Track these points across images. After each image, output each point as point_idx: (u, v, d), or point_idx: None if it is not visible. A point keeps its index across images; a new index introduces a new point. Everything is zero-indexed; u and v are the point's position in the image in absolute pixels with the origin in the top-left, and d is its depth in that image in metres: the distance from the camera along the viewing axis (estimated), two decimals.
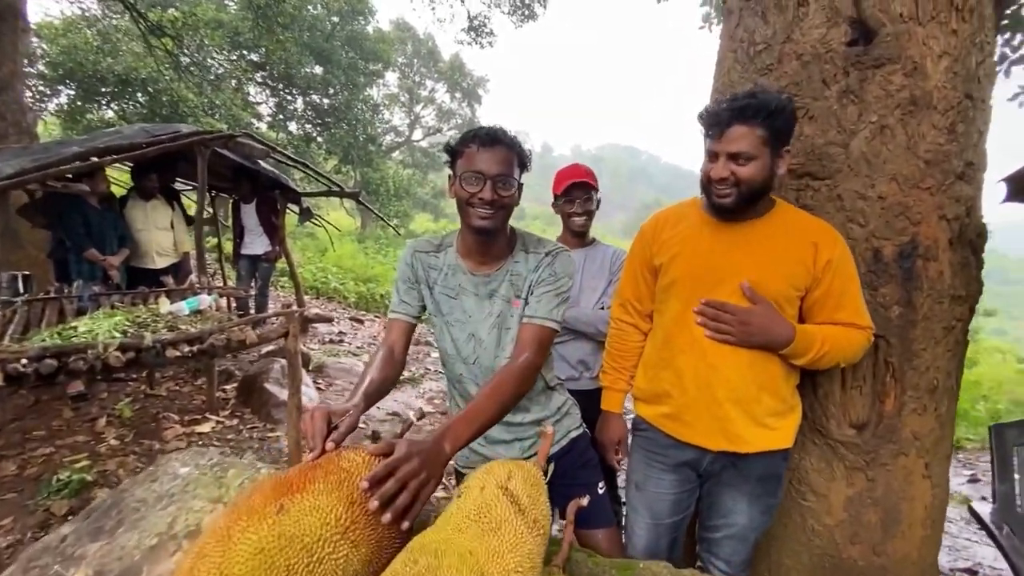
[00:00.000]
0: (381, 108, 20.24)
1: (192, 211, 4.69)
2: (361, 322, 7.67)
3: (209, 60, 12.57)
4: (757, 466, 1.31)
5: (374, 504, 0.72)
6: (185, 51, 10.28)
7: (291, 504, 0.68)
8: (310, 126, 15.56)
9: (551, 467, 1.03)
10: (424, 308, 1.37)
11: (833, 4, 1.44)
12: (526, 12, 11.64)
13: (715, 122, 1.22)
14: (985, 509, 1.74)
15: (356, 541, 0.70)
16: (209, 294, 3.38)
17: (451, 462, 0.98)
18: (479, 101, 24.43)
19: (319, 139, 15.49)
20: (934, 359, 1.46)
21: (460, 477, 1.49)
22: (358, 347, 6.08)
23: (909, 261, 1.41)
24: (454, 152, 1.24)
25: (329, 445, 0.84)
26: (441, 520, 0.77)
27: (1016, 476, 1.66)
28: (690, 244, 1.34)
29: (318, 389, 4.43)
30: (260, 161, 4.81)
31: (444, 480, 1.47)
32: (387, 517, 0.72)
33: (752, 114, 1.16)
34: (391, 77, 23.06)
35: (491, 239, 1.26)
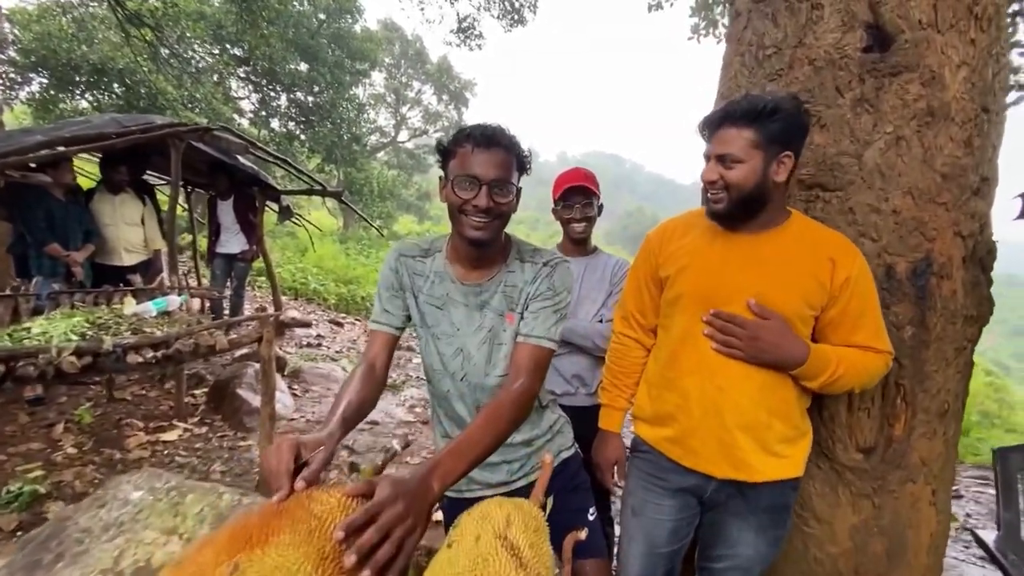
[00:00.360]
0: (367, 108, 19.99)
1: (166, 206, 4.48)
2: (341, 325, 7.47)
3: (190, 52, 12.23)
4: (765, 496, 1.22)
5: (350, 560, 0.60)
6: (165, 42, 9.96)
7: (248, 564, 0.56)
8: (293, 123, 15.26)
9: (550, 501, 0.92)
10: (408, 318, 1.25)
11: (849, 8, 1.37)
12: (516, 17, 11.58)
13: (707, 124, 1.20)
14: (990, 536, 1.69)
15: None
16: (179, 294, 3.21)
17: None
18: (466, 104, 24.31)
19: (302, 137, 15.20)
20: (945, 381, 1.40)
21: (443, 501, 1.37)
22: (337, 351, 5.90)
23: (923, 279, 1.35)
24: (446, 152, 1.13)
25: (299, 484, 0.71)
26: (430, 574, 0.66)
27: (1022, 503, 1.62)
28: (699, 256, 1.26)
29: (294, 395, 4.25)
30: (239, 157, 4.63)
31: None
32: (366, 574, 0.61)
33: (740, 115, 1.13)
34: (378, 77, 22.83)
35: (485, 249, 1.16)
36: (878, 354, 1.16)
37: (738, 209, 1.18)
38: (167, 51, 10.37)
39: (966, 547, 2.63)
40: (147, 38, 8.85)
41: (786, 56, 1.48)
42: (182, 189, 5.95)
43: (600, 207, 1.92)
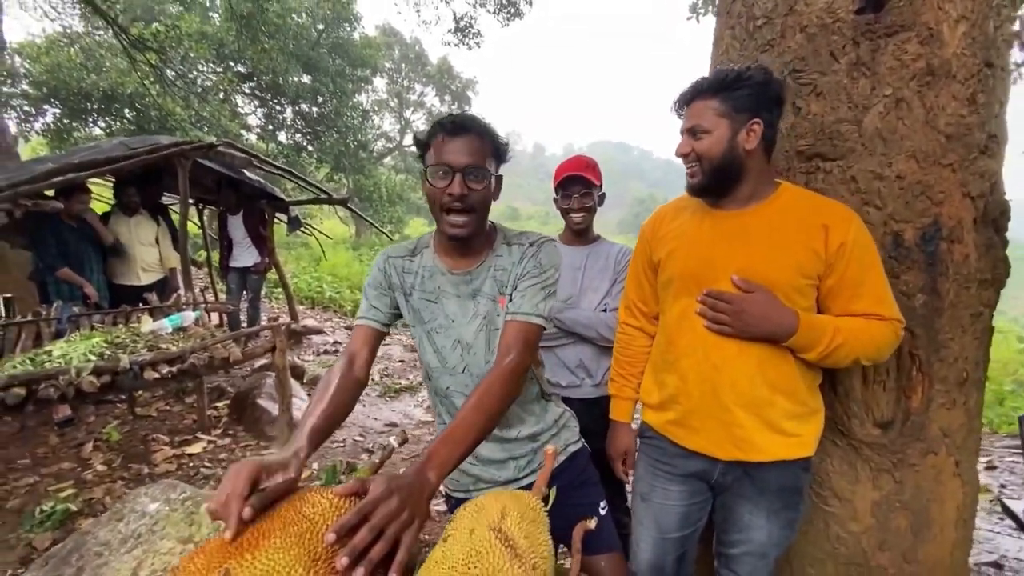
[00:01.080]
0: (371, 114, 20.11)
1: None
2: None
3: (194, 72, 12.45)
4: (774, 477, 1.19)
5: (343, 562, 0.60)
6: (169, 64, 10.14)
7: (239, 569, 0.56)
8: (300, 135, 15.44)
9: (552, 492, 0.91)
10: (396, 316, 1.26)
11: None
12: (512, 10, 11.53)
13: (679, 101, 1.22)
14: (1019, 507, 1.63)
15: None
16: (194, 310, 3.27)
17: (440, 487, 0.86)
18: (469, 103, 24.32)
19: (310, 148, 15.38)
20: (962, 349, 1.35)
21: (452, 502, 1.37)
22: None
23: (932, 244, 1.30)
24: (424, 145, 1.13)
25: (246, 513, 0.64)
26: (424, 571, 0.65)
27: None
28: (687, 237, 1.24)
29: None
30: (245, 171, 4.69)
31: (433, 507, 1.34)
32: (359, 573, 0.60)
33: (708, 87, 1.16)
34: (380, 83, 22.97)
35: (469, 242, 1.16)
36: (883, 322, 1.12)
37: (713, 180, 1.18)
38: (172, 73, 10.56)
39: (1001, 519, 2.55)
40: (152, 62, 9.01)
41: (777, 25, 1.44)
42: (194, 207, 6.08)
43: (602, 196, 1.89)
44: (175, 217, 5.00)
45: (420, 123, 24.77)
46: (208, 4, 13.90)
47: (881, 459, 1.39)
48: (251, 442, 3.56)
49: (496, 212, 1.27)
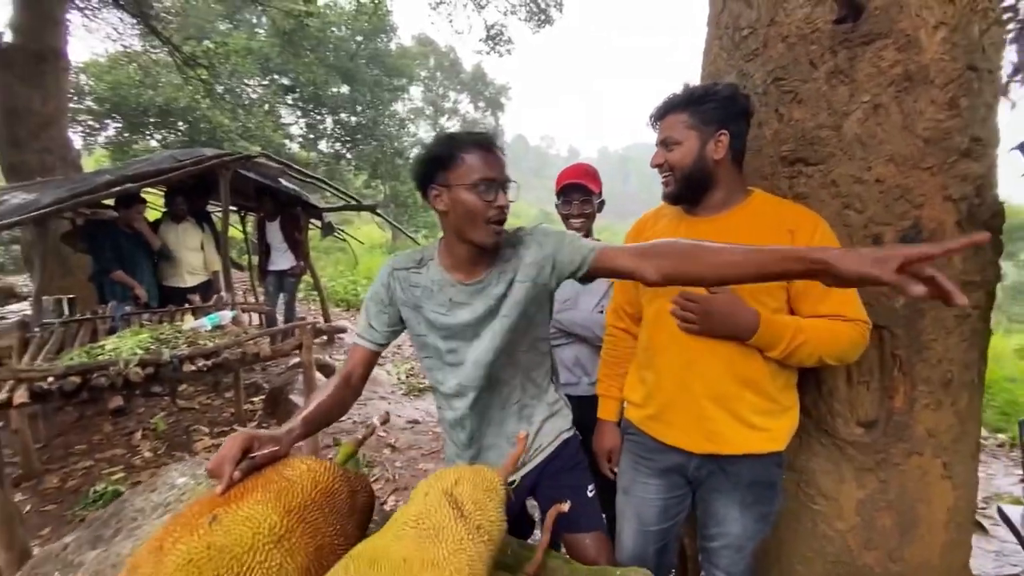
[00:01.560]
0: (407, 122, 20.65)
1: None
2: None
3: (241, 86, 13.15)
4: (746, 471, 1.24)
5: None
6: (218, 79, 10.77)
7: (224, 514, 0.69)
8: (340, 144, 16.03)
9: (518, 477, 1.00)
10: (395, 333, 1.28)
11: None
12: (542, 17, 11.66)
13: (654, 115, 1.32)
14: (1015, 512, 1.60)
15: (291, 549, 0.70)
16: (231, 310, 3.51)
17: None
18: (502, 109, 24.59)
19: (348, 156, 15.94)
20: (946, 350, 1.36)
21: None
22: (383, 356, 6.18)
23: None
24: (445, 159, 1.12)
25: (236, 475, 0.78)
26: (385, 527, 0.76)
27: None
28: None
29: None
30: (281, 180, 4.97)
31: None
32: None
33: (678, 102, 1.25)
34: (415, 91, 23.53)
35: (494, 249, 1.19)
36: (848, 323, 1.15)
37: (685, 189, 1.26)
38: (221, 87, 11.21)
39: None
40: (202, 77, 9.61)
41: (760, 35, 1.48)
42: (236, 214, 6.46)
43: (601, 203, 1.97)
44: (220, 223, 5.35)
45: (455, 130, 25.20)
46: (255, 21, 14.66)
47: (865, 458, 1.41)
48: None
49: (529, 216, 1.34)
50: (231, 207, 4.62)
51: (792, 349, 1.15)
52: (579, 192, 1.91)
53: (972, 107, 1.33)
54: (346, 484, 0.82)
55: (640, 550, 1.38)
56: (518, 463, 1.31)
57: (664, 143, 1.26)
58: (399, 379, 5.16)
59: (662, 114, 1.28)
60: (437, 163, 1.14)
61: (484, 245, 1.14)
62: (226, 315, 3.24)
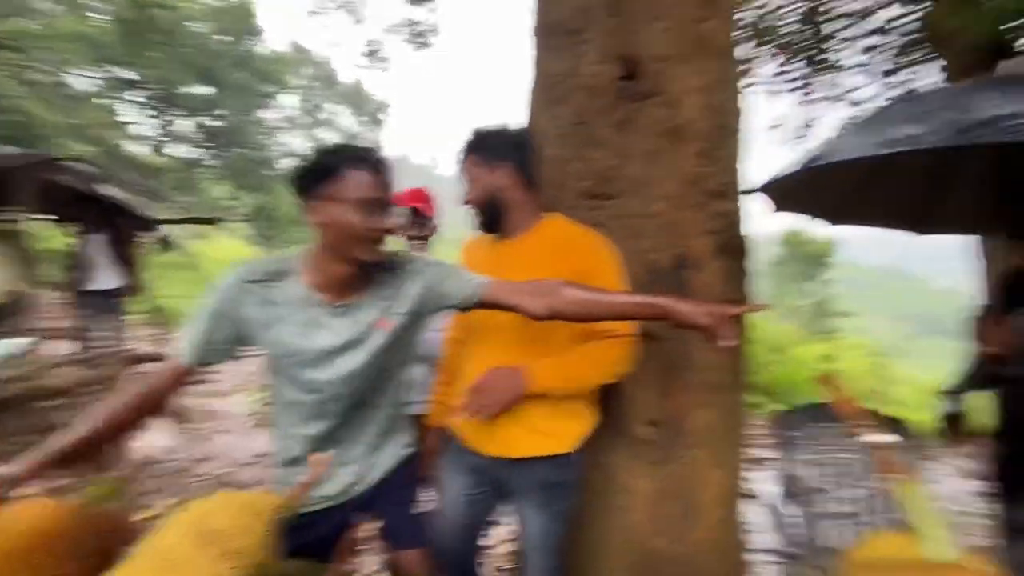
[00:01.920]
0: (278, 131, 19.40)
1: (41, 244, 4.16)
2: (236, 358, 7.09)
3: (69, 76, 11.40)
4: (537, 472, 1.36)
5: None
6: (34, 65, 9.23)
7: None
8: (198, 148, 14.56)
9: (359, 491, 0.99)
10: (227, 353, 1.17)
11: (607, 43, 1.60)
12: (421, 41, 11.76)
13: (457, 159, 1.48)
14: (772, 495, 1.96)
15: None
16: (33, 337, 3.01)
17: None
18: (379, 125, 24.21)
19: (208, 162, 14.52)
20: (711, 359, 1.62)
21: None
22: (229, 387, 5.61)
23: (681, 272, 1.58)
24: (331, 170, 1.07)
25: None
26: (128, 560, 0.72)
27: (795, 460, 1.89)
28: (477, 263, 1.44)
29: (180, 434, 4.03)
30: (108, 186, 4.39)
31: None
32: None
33: (468, 147, 1.43)
34: (291, 100, 22.25)
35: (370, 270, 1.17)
36: (617, 339, 1.33)
37: (486, 218, 1.42)
38: (38, 75, 9.61)
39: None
40: (12, 61, 8.17)
41: (567, 84, 1.68)
42: (55, 224, 5.53)
43: (434, 227, 2.07)
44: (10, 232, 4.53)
45: (331, 143, 24.19)
46: (88, 3, 12.87)
47: (654, 454, 1.63)
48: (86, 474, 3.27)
49: None
50: (41, 216, 3.95)
51: (569, 390, 1.32)
52: (414, 215, 1.99)
53: (725, 157, 1.64)
54: (86, 525, 0.77)
55: (448, 544, 1.46)
56: (324, 484, 1.26)
57: (466, 182, 1.42)
58: (251, 411, 4.72)
59: (462, 158, 1.44)
60: (320, 174, 1.08)
61: (364, 260, 1.11)
62: (20, 343, 2.77)
